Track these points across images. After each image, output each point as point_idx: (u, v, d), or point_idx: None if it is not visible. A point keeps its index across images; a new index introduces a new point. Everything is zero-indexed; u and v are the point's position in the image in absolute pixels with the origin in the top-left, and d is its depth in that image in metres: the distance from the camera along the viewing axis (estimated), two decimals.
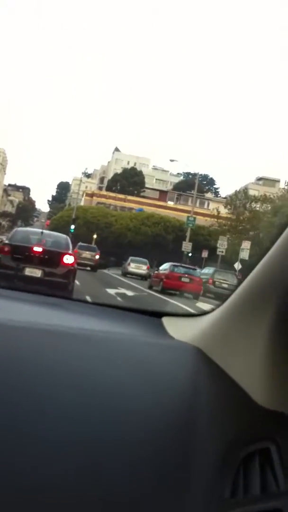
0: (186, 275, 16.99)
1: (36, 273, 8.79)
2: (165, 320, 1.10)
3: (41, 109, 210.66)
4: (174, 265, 17.57)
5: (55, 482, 0.50)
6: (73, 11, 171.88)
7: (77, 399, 0.59)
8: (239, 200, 40.37)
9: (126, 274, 26.92)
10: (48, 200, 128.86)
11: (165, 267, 17.99)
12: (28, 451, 0.51)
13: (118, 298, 11.69)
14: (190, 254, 31.54)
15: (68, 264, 9.10)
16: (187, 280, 16.74)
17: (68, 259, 9.13)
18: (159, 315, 1.16)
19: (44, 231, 10.64)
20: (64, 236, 10.99)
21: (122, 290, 13.86)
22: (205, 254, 32.25)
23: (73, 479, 0.51)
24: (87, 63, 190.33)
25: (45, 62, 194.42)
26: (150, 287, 18.01)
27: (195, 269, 18.54)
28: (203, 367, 0.77)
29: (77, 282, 10.87)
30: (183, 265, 18.44)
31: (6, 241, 9.41)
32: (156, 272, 19.47)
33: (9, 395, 0.56)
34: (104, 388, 0.63)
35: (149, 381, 0.68)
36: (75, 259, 9.58)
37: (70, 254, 9.30)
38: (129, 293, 13.33)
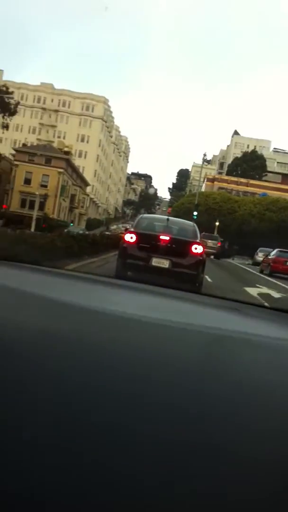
0: None
1: (164, 263, 8.10)
2: None
3: (160, 97, 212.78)
4: (280, 251, 19.05)
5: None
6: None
7: (254, 414, 0.54)
8: None
9: (255, 264, 27.02)
10: (169, 188, 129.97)
11: (273, 253, 19.69)
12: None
13: (266, 304, 9.30)
14: None
15: (197, 253, 8.26)
16: None
17: (197, 249, 8.28)
18: None
19: (170, 217, 9.87)
20: (191, 223, 10.12)
21: (264, 290, 11.78)
22: None
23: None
24: (200, 46, 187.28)
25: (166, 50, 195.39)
26: (261, 271, 19.48)
27: None
28: None
29: (207, 277, 9.85)
30: None
31: (131, 229, 8.81)
32: (265, 258, 20.98)
33: (183, 414, 0.52)
34: (284, 405, 0.57)
35: None
36: (203, 248, 8.67)
37: (199, 243, 8.45)
38: (275, 294, 11.16)
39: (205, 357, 0.65)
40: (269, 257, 19.62)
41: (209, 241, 27.78)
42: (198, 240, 8.58)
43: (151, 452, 0.45)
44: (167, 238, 8.19)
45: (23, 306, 0.74)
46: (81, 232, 30.43)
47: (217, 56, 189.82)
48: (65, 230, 32.13)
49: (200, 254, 8.33)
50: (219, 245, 29.77)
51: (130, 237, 8.36)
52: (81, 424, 0.46)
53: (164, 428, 0.48)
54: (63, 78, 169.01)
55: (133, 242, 8.28)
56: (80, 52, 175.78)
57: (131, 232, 8.53)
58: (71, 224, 50.22)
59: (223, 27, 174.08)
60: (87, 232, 34.06)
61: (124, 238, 8.57)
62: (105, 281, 1.31)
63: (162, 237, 8.20)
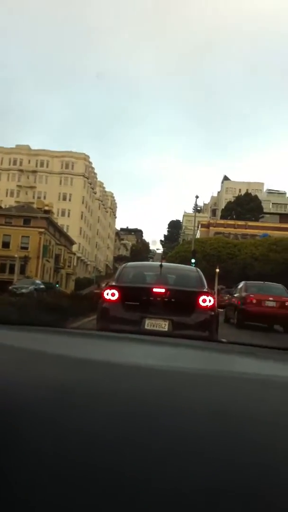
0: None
1: (162, 325, 6.15)
2: None
3: (143, 151, 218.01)
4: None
5: None
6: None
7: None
8: None
9: None
10: (161, 240, 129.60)
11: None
12: None
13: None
14: None
15: (207, 307, 6.26)
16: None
17: (207, 301, 6.28)
18: None
19: (165, 263, 7.87)
20: (193, 268, 8.15)
21: None
22: None
23: None
24: (187, 95, 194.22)
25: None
26: None
27: None
28: None
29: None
30: None
31: (113, 283, 6.79)
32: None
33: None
34: None
35: None
36: (215, 300, 6.65)
37: (207, 294, 6.44)
38: None
39: (227, 400, 0.65)
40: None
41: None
42: (205, 289, 6.60)
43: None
44: (163, 290, 6.25)
45: (35, 364, 0.77)
46: (32, 288, 26.19)
47: (201, 105, 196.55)
48: (10, 288, 27.26)
49: (211, 308, 6.34)
50: None
51: (111, 294, 6.38)
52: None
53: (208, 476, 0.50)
54: (40, 139, 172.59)
55: (115, 300, 6.30)
56: (61, 113, 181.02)
57: (112, 287, 6.53)
58: (52, 284, 46.13)
59: (208, 84, 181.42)
60: (41, 287, 29.63)
61: (103, 296, 6.57)
62: (115, 336, 1.32)
63: (155, 289, 6.28)
